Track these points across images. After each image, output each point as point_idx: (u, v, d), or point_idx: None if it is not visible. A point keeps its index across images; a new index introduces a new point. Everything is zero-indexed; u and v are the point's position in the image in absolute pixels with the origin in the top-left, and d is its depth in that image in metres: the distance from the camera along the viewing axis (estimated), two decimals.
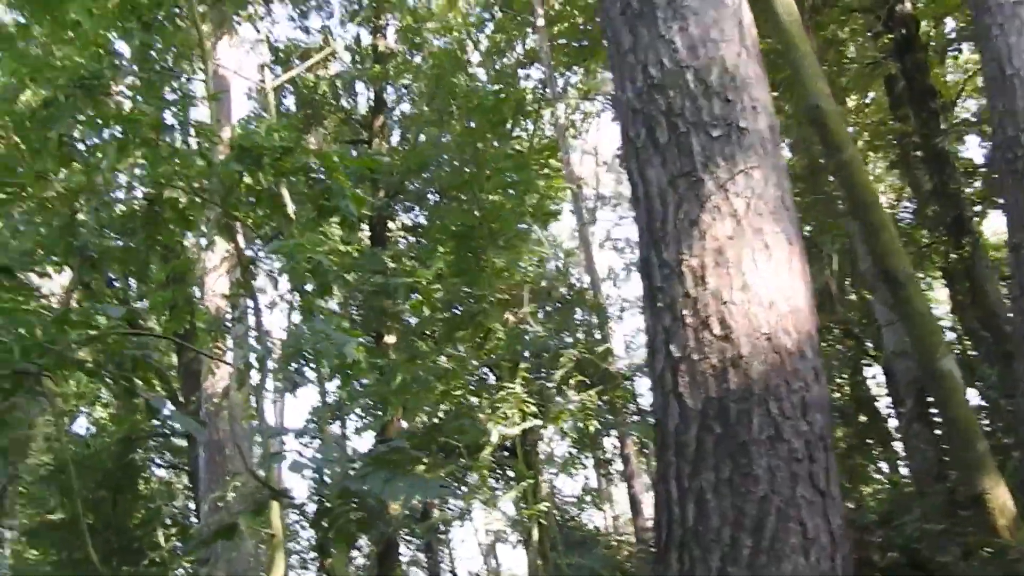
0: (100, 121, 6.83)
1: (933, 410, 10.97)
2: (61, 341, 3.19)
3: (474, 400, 11.10)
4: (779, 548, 2.96)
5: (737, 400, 3.11)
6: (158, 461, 20.43)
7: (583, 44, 18.66)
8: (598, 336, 13.68)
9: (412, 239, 18.19)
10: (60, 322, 3.30)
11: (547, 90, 17.95)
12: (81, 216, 7.86)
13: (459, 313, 12.68)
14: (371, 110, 19.35)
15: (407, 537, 17.51)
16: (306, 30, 19.51)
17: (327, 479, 4.47)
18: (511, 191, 13.03)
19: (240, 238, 7.51)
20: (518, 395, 10.53)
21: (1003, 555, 5.88)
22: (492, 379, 12.69)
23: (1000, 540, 5.80)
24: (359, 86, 20.14)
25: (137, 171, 7.73)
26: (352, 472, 3.83)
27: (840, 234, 13.27)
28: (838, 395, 14.59)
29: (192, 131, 7.93)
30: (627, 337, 30.03)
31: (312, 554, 17.61)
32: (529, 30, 19.28)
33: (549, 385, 11.43)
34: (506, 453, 12.41)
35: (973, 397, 10.40)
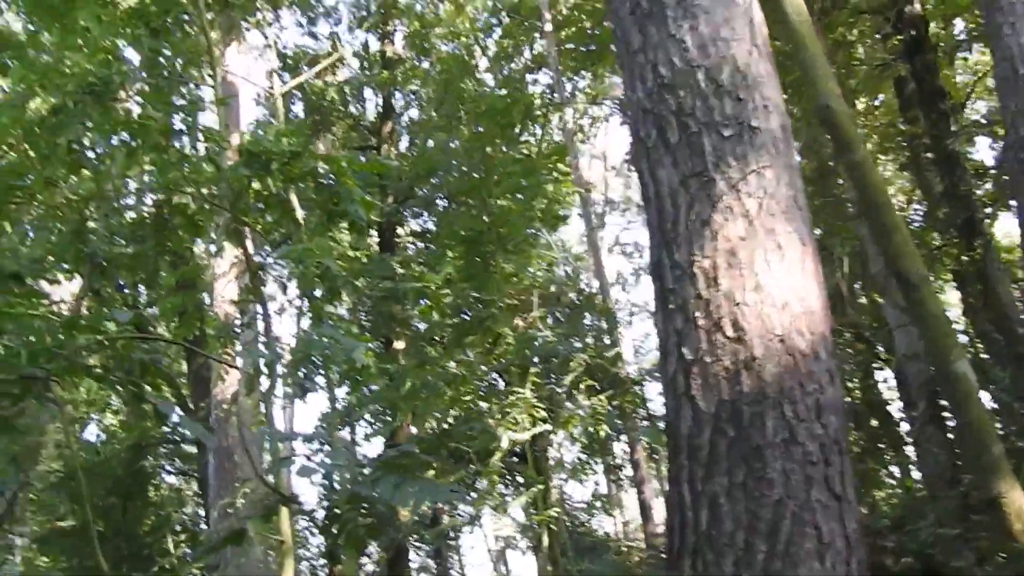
0: (109, 127, 6.84)
1: (946, 413, 10.90)
2: (69, 346, 3.18)
3: (484, 405, 11.07)
4: (794, 553, 2.92)
5: (751, 403, 3.06)
6: (168, 468, 20.46)
7: (590, 48, 18.65)
8: (607, 341, 13.65)
9: (421, 245, 18.19)
10: (68, 327, 3.29)
11: (555, 95, 17.95)
12: (92, 224, 7.88)
13: (468, 318, 12.67)
14: (379, 116, 19.37)
15: (417, 543, 17.47)
16: (314, 36, 19.57)
17: (336, 485, 4.44)
18: (520, 196, 13.01)
19: (249, 244, 7.51)
20: (528, 400, 10.51)
21: (1019, 560, 5.81)
22: (502, 384, 12.67)
23: (1016, 545, 5.73)
24: (367, 92, 20.17)
25: (147, 178, 7.74)
26: (362, 477, 3.80)
27: (850, 237, 13.20)
28: (849, 399, 14.50)
29: (201, 136, 7.95)
30: (636, 342, 29.98)
31: (322, 560, 17.61)
32: (537, 35, 19.29)
33: (559, 390, 11.40)
34: (516, 459, 12.38)
35: (986, 400, 10.32)
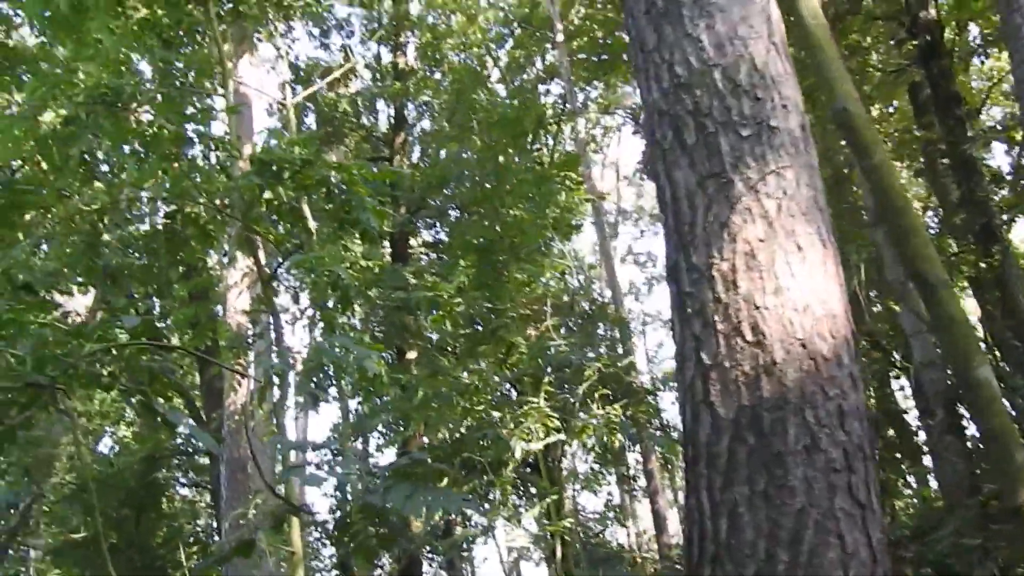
0: (120, 136, 6.84)
1: (964, 422, 10.78)
2: (76, 354, 3.14)
3: (496, 415, 10.99)
4: (817, 563, 2.83)
5: (771, 409, 2.98)
6: (181, 480, 20.48)
7: (602, 58, 18.67)
8: (620, 351, 13.58)
9: (434, 256, 18.17)
10: (75, 335, 3.25)
11: (567, 105, 17.95)
12: (105, 236, 7.88)
13: (481, 328, 12.62)
14: (392, 127, 19.41)
15: (429, 554, 17.39)
16: (327, 48, 19.64)
17: (348, 495, 4.38)
18: (532, 205, 12.98)
19: (261, 253, 7.49)
20: (541, 410, 10.43)
21: None
22: (515, 394, 12.60)
23: None
24: (380, 103, 20.22)
25: (158, 190, 7.73)
26: (373, 486, 3.74)
27: (865, 244, 13.11)
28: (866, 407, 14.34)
29: (213, 146, 7.94)
30: (650, 352, 29.92)
31: (334, 572, 17.53)
32: (548, 45, 19.32)
33: (572, 400, 11.32)
34: (529, 469, 12.29)
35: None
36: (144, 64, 11.26)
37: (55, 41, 9.54)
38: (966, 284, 13.90)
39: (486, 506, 11.34)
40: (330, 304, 7.63)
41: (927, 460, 13.63)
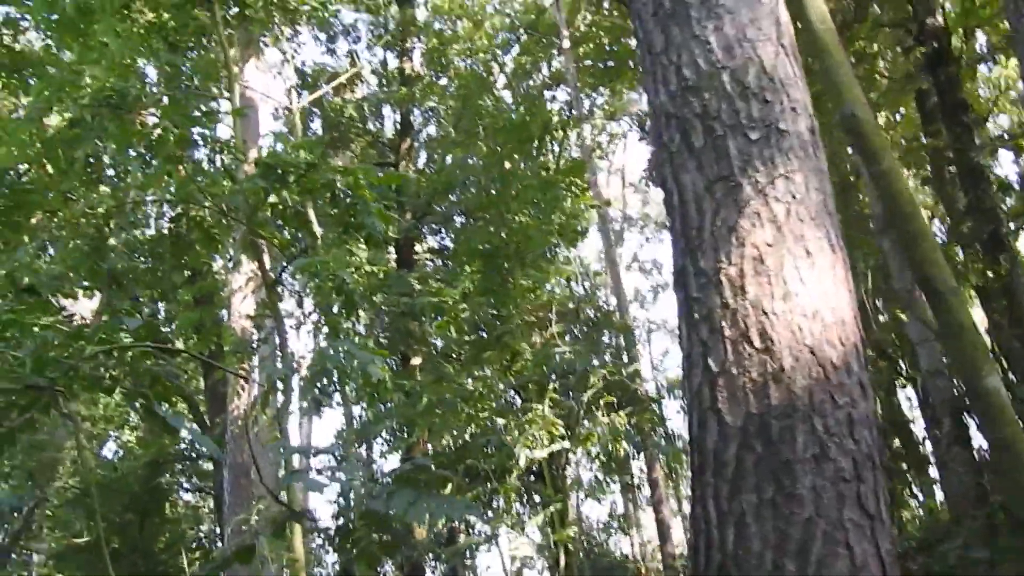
0: (125, 138, 6.83)
1: (971, 432, 10.69)
2: (76, 356, 3.11)
3: (501, 422, 10.95)
4: (825, 574, 2.78)
5: (779, 416, 2.93)
6: (185, 484, 20.47)
7: (608, 65, 18.67)
8: (625, 358, 13.53)
9: (439, 262, 18.16)
10: (75, 337, 3.22)
11: (573, 111, 17.94)
12: (111, 240, 7.87)
13: (486, 335, 12.58)
14: (398, 133, 19.42)
15: (432, 562, 17.32)
16: (333, 53, 19.68)
17: (351, 501, 4.34)
18: (537, 211, 12.95)
19: (266, 258, 7.47)
20: (546, 417, 10.38)
21: None
22: (519, 401, 12.55)
23: None
24: (386, 109, 20.24)
25: (163, 193, 7.72)
26: (376, 492, 3.70)
27: (872, 251, 13.04)
28: None
29: (218, 150, 7.94)
30: (655, 359, 29.84)
31: None
32: (555, 52, 19.32)
33: (577, 407, 11.27)
34: (533, 477, 12.24)
35: None
36: (150, 68, 11.27)
37: (61, 44, 9.55)
38: (973, 293, 13.83)
39: (490, 514, 11.29)
40: (334, 309, 7.61)
41: (933, 471, 13.53)
